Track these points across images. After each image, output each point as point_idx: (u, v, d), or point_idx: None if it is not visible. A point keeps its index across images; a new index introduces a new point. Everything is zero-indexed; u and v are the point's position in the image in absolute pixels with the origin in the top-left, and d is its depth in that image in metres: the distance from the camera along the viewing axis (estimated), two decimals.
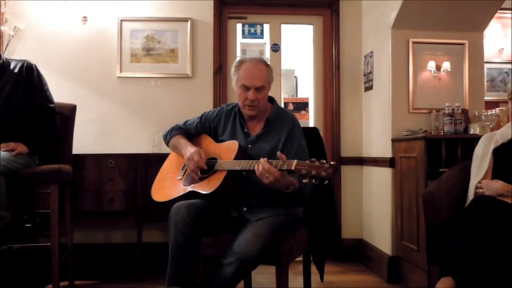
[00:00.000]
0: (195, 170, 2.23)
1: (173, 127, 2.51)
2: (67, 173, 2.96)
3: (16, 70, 2.94)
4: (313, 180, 1.91)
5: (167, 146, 2.53)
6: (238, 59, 2.40)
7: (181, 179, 2.33)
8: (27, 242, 3.35)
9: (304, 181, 1.94)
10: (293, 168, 1.95)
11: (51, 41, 3.92)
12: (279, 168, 1.99)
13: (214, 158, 2.27)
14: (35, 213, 3.37)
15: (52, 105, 3.02)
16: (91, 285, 3.44)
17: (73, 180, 3.19)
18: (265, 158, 2.03)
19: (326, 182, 1.90)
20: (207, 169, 2.23)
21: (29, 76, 2.95)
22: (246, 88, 2.26)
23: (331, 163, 1.91)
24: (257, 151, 2.28)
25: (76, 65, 3.95)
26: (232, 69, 2.35)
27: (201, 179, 2.22)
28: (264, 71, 2.29)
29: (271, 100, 2.42)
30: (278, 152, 2.05)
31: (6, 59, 3.00)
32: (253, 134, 2.35)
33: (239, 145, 2.25)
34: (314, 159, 1.93)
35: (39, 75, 3.01)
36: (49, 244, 2.84)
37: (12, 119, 2.86)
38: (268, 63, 2.39)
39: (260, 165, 2.00)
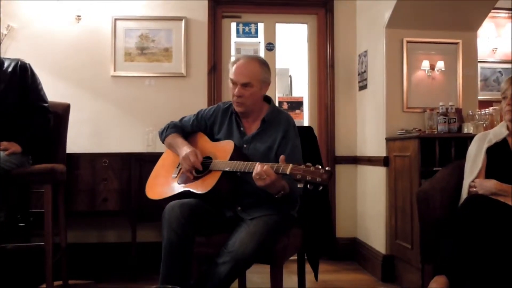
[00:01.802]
0: (190, 170, 2.22)
1: (169, 124, 2.49)
2: (60, 172, 2.96)
3: (9, 69, 2.92)
4: (308, 185, 1.89)
5: (163, 143, 2.51)
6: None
7: (176, 177, 2.32)
8: (21, 242, 3.33)
9: (299, 185, 1.93)
10: (288, 172, 1.94)
11: (45, 40, 3.90)
12: (274, 171, 1.98)
13: (209, 157, 2.26)
14: (28, 212, 3.35)
15: (45, 104, 3.00)
16: (85, 284, 3.43)
17: (67, 180, 3.17)
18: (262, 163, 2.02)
19: (321, 188, 1.88)
20: (202, 168, 2.23)
21: (23, 75, 2.93)
22: (234, 84, 2.27)
23: (326, 168, 1.88)
24: (252, 151, 2.28)
25: (70, 64, 3.93)
26: (229, 65, 2.35)
27: (196, 178, 2.21)
28: (254, 69, 2.27)
29: (268, 100, 2.40)
30: (281, 156, 2.02)
31: None
32: (249, 133, 2.34)
33: (235, 145, 2.24)
34: (309, 164, 1.91)
35: (33, 74, 2.99)
36: (42, 243, 2.83)
37: (5, 118, 2.84)
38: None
39: (259, 167, 2.00)
